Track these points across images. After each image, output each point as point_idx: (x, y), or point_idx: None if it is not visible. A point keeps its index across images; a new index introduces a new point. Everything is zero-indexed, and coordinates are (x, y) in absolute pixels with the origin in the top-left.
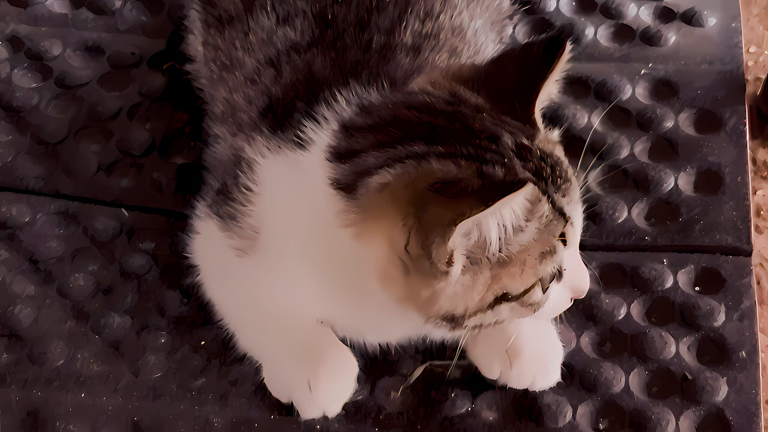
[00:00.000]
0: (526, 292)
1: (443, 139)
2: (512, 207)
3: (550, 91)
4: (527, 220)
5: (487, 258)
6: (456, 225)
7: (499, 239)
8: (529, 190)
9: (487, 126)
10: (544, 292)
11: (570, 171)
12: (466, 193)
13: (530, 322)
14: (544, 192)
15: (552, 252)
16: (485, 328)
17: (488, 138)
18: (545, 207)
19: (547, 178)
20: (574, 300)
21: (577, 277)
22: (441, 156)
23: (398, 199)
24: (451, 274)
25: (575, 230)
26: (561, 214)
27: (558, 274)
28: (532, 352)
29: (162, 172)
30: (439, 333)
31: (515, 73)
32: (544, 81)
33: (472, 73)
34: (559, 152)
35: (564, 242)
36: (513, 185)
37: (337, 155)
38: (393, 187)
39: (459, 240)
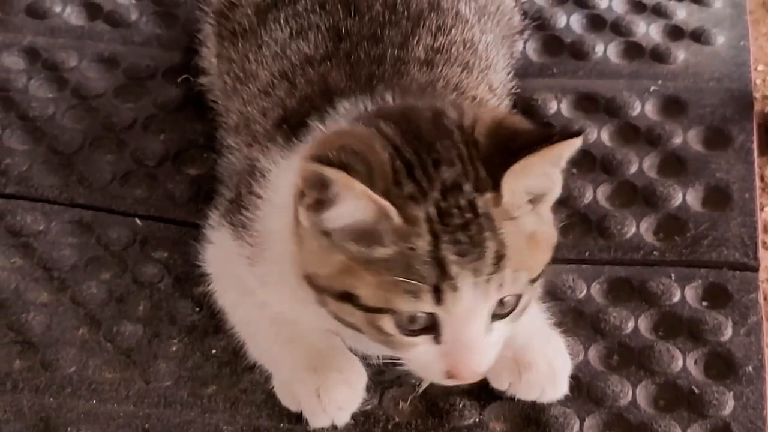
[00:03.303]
0: (373, 310)
1: (408, 141)
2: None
3: (535, 182)
4: (393, 242)
5: (341, 240)
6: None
7: (343, 227)
8: (343, 179)
9: (447, 151)
10: (403, 334)
11: (489, 251)
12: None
13: (539, 334)
14: (433, 233)
15: (414, 293)
16: (343, 324)
17: (433, 160)
18: (421, 243)
19: (450, 229)
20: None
21: (456, 355)
22: (393, 147)
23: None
24: (300, 220)
25: (456, 299)
26: (439, 266)
27: (434, 335)
28: (541, 364)
29: (175, 182)
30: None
31: (518, 140)
32: (522, 158)
33: (504, 123)
34: (509, 228)
35: (438, 299)
36: (344, 168)
37: None
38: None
39: (308, 189)
